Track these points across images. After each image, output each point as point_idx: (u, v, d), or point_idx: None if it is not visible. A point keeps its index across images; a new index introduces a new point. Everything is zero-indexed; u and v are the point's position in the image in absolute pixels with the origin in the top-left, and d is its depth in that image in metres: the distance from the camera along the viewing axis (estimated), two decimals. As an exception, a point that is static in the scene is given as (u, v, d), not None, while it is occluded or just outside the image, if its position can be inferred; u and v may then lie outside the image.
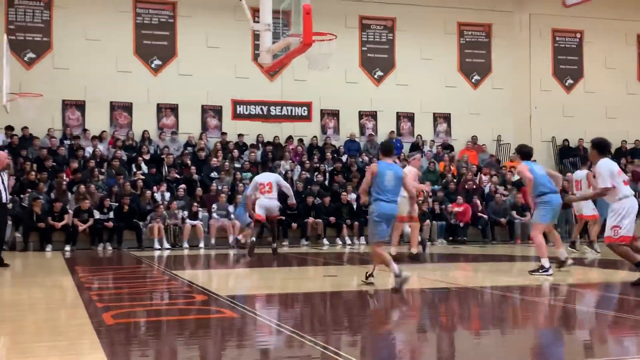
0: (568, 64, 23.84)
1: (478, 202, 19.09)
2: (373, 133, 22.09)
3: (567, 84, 23.81)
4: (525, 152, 9.88)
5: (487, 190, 20.07)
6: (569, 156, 22.69)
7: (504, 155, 22.80)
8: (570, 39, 23.97)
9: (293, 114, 21.57)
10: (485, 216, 18.83)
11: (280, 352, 5.01)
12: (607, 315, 6.66)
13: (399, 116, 22.60)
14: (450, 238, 18.29)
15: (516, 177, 20.66)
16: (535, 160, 10.35)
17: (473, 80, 23.03)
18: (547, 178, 9.58)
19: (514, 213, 18.87)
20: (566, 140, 23.07)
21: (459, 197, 18.68)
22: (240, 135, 20.85)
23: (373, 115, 22.38)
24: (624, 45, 24.17)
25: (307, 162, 20.34)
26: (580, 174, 13.40)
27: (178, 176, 18.77)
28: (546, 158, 22.98)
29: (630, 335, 5.64)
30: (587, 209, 13.38)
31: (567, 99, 23.63)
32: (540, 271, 9.27)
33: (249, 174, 19.50)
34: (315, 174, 20.05)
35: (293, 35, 8.67)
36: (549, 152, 23.27)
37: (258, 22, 9.52)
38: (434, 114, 22.78)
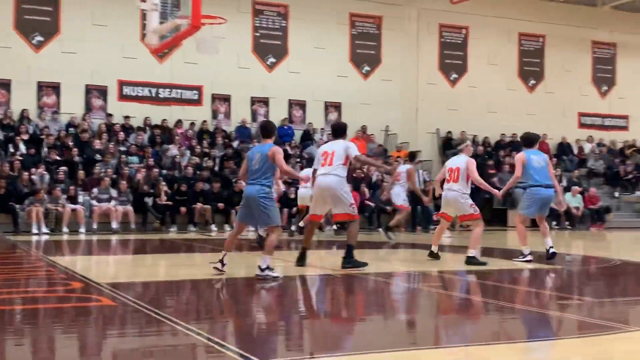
0: (453, 59, 24.65)
1: (365, 190, 19.47)
2: (265, 119, 22.02)
3: (452, 78, 24.63)
4: (527, 140, 10.05)
5: (374, 178, 20.49)
6: (452, 148, 23.50)
7: (391, 145, 23.35)
8: (456, 34, 24.79)
9: (183, 97, 21.16)
10: (372, 204, 19.23)
11: (159, 341, 4.91)
12: (465, 300, 6.96)
13: (291, 103, 22.65)
14: (338, 226, 18.53)
15: (403, 167, 21.22)
16: (538, 150, 10.09)
17: (363, 71, 23.40)
18: (544, 171, 9.72)
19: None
20: (449, 132, 23.89)
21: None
22: (126, 118, 20.25)
23: (265, 102, 22.31)
24: (506, 43, 25.25)
25: (197, 147, 20.05)
26: (404, 167, 15.13)
27: (58, 158, 18.02)
28: (430, 149, 23.73)
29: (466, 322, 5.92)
30: (398, 199, 14.94)
31: (451, 93, 24.45)
32: (520, 257, 9.86)
33: (135, 158, 19.02)
34: (205, 159, 19.78)
35: (181, 17, 8.49)
36: (433, 143, 24.03)
37: (145, 0, 9.24)
38: (325, 102, 22.98)
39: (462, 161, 9.67)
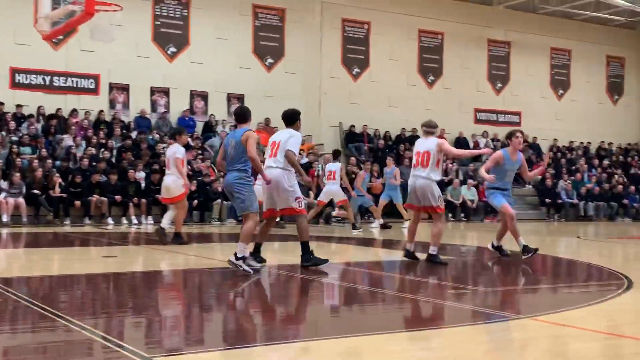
0: (356, 54, 24.96)
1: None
2: (166, 110, 21.59)
3: (354, 72, 24.93)
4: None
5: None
6: (354, 141, 23.84)
7: (294, 138, 23.39)
8: (359, 29, 25.10)
9: (79, 86, 20.43)
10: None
11: (50, 338, 4.72)
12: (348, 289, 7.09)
13: (193, 94, 22.30)
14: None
15: (305, 160, 21.35)
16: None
17: (267, 63, 23.32)
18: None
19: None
20: (352, 126, 24.19)
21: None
22: (18, 106, 19.36)
23: (165, 92, 21.86)
24: (406, 39, 25.78)
25: (94, 137, 19.42)
26: (334, 166, 15.66)
27: (-56, 148, 17.04)
28: (333, 142, 23.97)
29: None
30: (338, 195, 15.66)
31: (353, 87, 24.74)
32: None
33: (28, 149, 18.23)
34: (102, 150, 19.19)
35: (75, 3, 8.16)
36: (336, 136, 24.27)
37: (37, -16, 8.85)
38: (227, 94, 22.75)
39: (432, 143, 8.79)
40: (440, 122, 25.57)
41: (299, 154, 21.53)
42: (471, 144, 26.18)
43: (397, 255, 10.15)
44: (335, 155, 16.48)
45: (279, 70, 23.44)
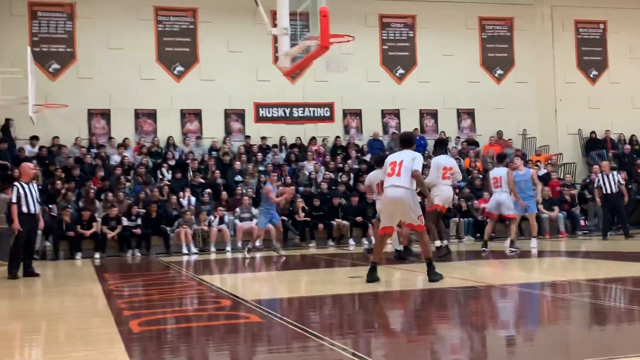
0: (592, 55, 23.55)
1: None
2: (396, 131, 22.03)
3: (591, 75, 23.52)
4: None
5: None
6: (596, 148, 22.43)
7: (530, 149, 22.61)
8: (594, 29, 23.68)
9: (315, 114, 21.63)
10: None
11: (306, 357, 5.03)
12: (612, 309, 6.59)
13: (422, 113, 22.53)
14: (478, 235, 18.16)
15: (543, 171, 20.50)
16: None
17: (496, 75, 22.86)
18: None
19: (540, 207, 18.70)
20: (593, 132, 22.80)
21: (485, 193, 18.49)
22: (263, 138, 20.95)
23: (396, 114, 22.33)
24: (648, 34, 23.82)
25: (331, 162, 20.36)
26: (500, 171, 13.31)
27: (203, 180, 18.91)
28: (572, 151, 22.78)
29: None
30: (506, 208, 13.28)
31: (592, 91, 23.35)
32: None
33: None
34: (340, 174, 20.05)
35: (311, 39, 8.68)
36: (576, 144, 23.04)
37: (276, 25, 9.55)
38: (457, 109, 22.67)
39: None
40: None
41: (536, 165, 20.78)
42: None
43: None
44: (500, 159, 13.95)
45: (509, 80, 22.88)
